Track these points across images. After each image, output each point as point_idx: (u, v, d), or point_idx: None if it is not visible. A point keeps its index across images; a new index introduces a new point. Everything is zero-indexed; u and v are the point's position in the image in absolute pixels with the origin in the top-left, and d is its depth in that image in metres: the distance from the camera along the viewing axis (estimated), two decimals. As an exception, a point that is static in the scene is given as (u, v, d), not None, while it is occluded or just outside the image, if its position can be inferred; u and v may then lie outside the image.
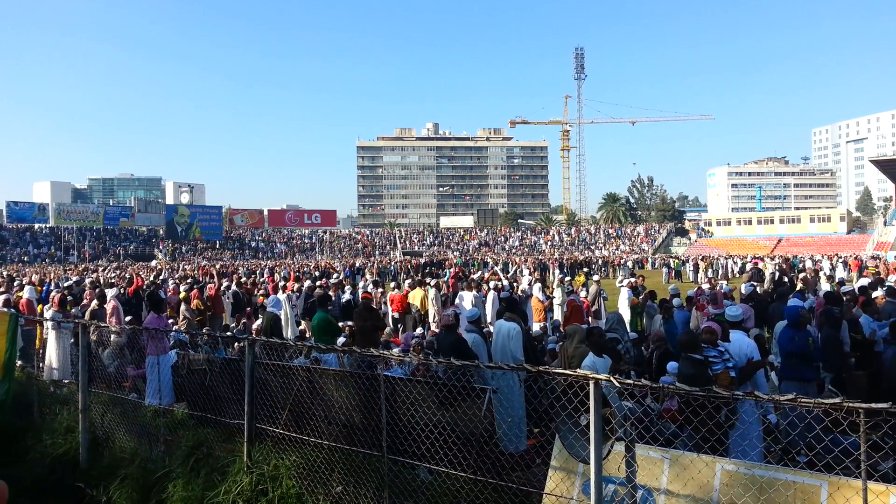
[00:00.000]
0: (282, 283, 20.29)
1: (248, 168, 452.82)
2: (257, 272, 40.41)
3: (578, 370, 4.15)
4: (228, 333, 12.90)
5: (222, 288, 19.54)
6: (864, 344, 9.20)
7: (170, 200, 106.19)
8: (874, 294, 12.00)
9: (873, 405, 3.19)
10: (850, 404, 3.28)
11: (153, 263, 61.88)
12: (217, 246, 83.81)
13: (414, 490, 5.55)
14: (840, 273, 34.11)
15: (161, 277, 29.07)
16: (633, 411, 4.30)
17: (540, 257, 66.01)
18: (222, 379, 7.19)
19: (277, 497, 5.43)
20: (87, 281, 23.17)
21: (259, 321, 13.08)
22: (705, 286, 17.07)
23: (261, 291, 19.79)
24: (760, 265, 38.07)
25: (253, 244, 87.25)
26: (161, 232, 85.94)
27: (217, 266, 39.20)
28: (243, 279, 24.69)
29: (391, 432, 5.14)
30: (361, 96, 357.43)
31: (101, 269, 41.79)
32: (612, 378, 3.82)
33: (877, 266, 33.58)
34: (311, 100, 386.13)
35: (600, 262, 54.65)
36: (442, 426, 5.23)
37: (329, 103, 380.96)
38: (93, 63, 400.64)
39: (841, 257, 45.48)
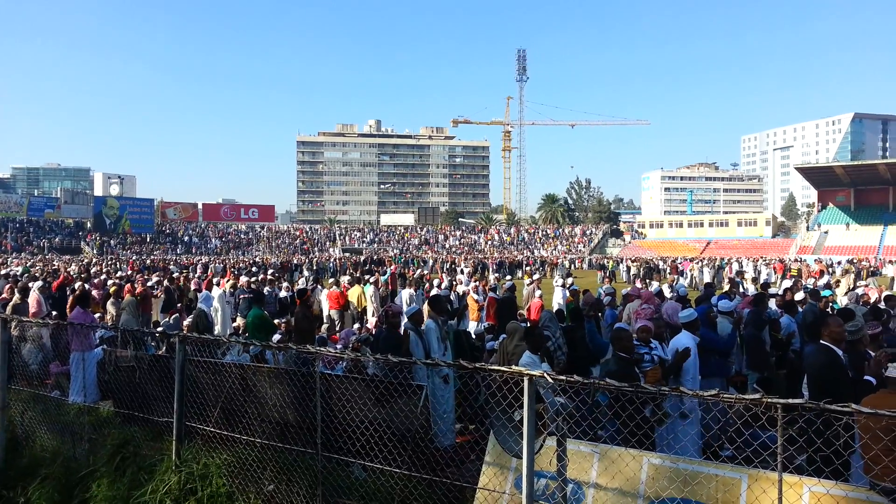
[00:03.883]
0: (216, 280, 19.82)
1: (181, 161, 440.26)
2: (190, 268, 39.39)
3: (514, 367, 4.22)
4: (159, 329, 12.53)
5: (152, 283, 18.95)
6: (782, 343, 9.66)
7: (98, 192, 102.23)
8: (796, 297, 12.59)
9: (790, 401, 3.35)
10: (769, 400, 3.44)
11: (80, 257, 59.50)
12: (148, 240, 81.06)
13: (348, 487, 5.53)
14: (764, 276, 35.65)
15: (93, 271, 27.85)
16: (566, 406, 4.40)
17: (480, 256, 66.59)
18: (151, 376, 7.00)
19: (207, 496, 5.31)
20: (2, 273, 22.10)
21: (190, 318, 12.75)
22: (638, 285, 17.56)
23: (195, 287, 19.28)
24: (688, 268, 39.47)
25: (186, 239, 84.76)
26: (89, 224, 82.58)
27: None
28: (175, 274, 23.99)
29: (326, 430, 5.10)
30: (302, 91, 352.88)
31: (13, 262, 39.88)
32: (545, 374, 3.89)
33: (799, 269, 35.28)
34: (251, 93, 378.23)
35: (538, 261, 55.55)
36: (377, 423, 5.22)
37: (269, 97, 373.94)
38: (17, 50, 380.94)
39: (765, 260, 47.54)
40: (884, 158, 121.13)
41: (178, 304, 17.73)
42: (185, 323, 12.69)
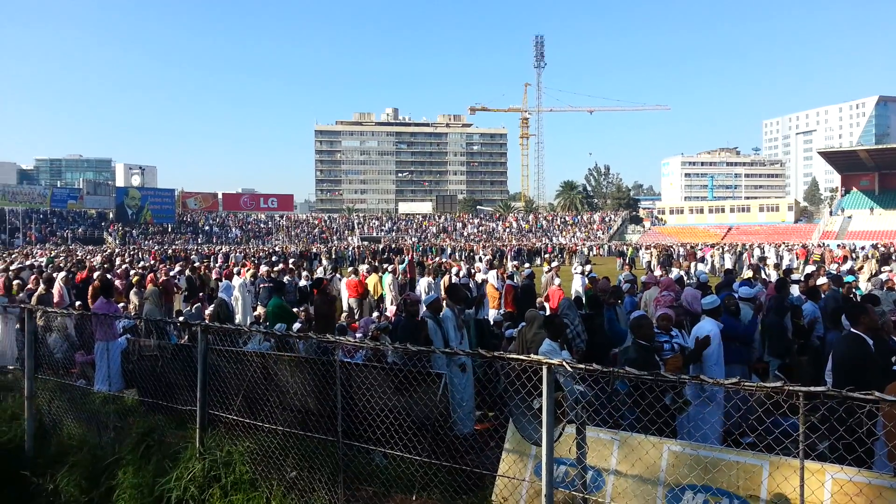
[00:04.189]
0: (237, 269, 20.01)
1: (201, 151, 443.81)
2: (211, 257, 39.78)
3: (532, 355, 4.22)
4: (181, 319, 12.69)
5: (174, 273, 19.17)
6: (804, 330, 9.55)
7: (120, 183, 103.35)
8: (819, 282, 12.43)
9: (812, 388, 3.33)
10: (791, 388, 3.42)
11: (103, 247, 60.34)
12: (169, 230, 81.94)
13: (369, 474, 5.58)
14: (787, 262, 35.21)
15: (116, 262, 28.22)
16: (585, 395, 4.40)
17: (498, 244, 66.48)
18: (174, 365, 7.09)
19: (230, 483, 5.40)
20: (28, 264, 22.47)
21: (211, 307, 12.90)
22: (657, 272, 17.45)
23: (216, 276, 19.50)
24: (708, 254, 39.08)
25: (207, 228, 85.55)
26: (111, 215, 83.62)
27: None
28: (196, 263, 24.25)
29: (346, 417, 5.15)
30: (320, 80, 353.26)
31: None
32: (564, 362, 3.90)
33: (822, 255, 34.79)
34: (269, 83, 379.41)
35: (557, 249, 55.35)
36: (397, 411, 5.26)
37: (287, 87, 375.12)
38: (40, 42, 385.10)
39: (787, 245, 46.95)
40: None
41: (200, 294, 17.94)
42: (207, 312, 12.85)
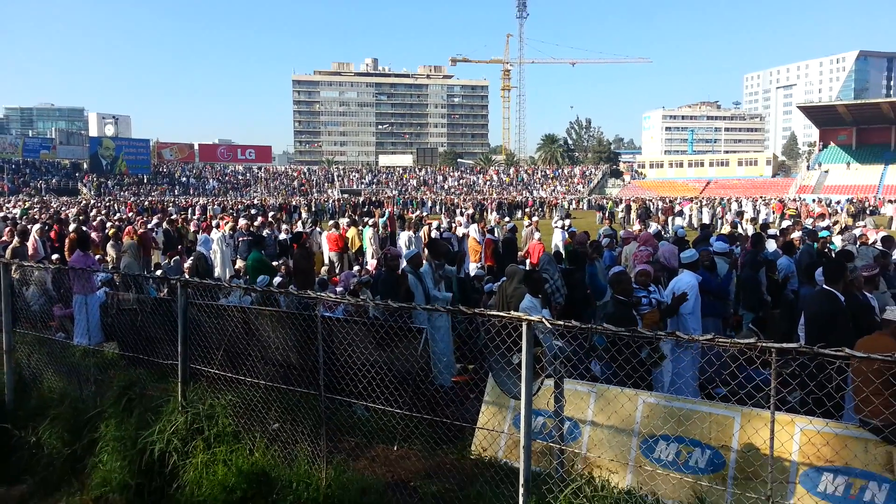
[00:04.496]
0: (215, 222, 19.81)
1: (177, 101, 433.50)
2: (189, 209, 39.33)
3: (512, 312, 4.27)
4: (159, 272, 12.61)
5: (152, 225, 18.95)
6: (778, 284, 9.73)
7: (93, 132, 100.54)
8: (793, 236, 12.62)
9: (784, 345, 3.40)
10: (764, 344, 3.50)
11: (77, 198, 59.33)
12: (145, 181, 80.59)
13: (351, 426, 5.68)
14: (763, 216, 35.64)
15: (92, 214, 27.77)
16: (563, 350, 4.47)
17: (479, 197, 66.40)
18: (154, 319, 7.06)
19: (213, 435, 5.45)
20: (1, 216, 22.07)
21: (190, 260, 12.81)
22: (636, 227, 17.59)
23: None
24: (687, 208, 39.42)
25: (183, 180, 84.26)
26: (85, 165, 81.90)
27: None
28: (174, 216, 23.97)
29: (328, 371, 5.20)
30: (298, 28, 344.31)
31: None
32: (544, 319, 3.95)
33: (797, 209, 35.26)
34: (245, 31, 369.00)
35: (537, 202, 55.44)
36: (379, 365, 5.32)
37: (264, 35, 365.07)
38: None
39: (764, 200, 47.45)
40: (888, 97, 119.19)
41: (178, 247, 17.79)
42: (186, 266, 12.76)
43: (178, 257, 15.31)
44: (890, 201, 43.29)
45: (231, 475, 5.08)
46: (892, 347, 4.40)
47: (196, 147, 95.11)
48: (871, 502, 4.13)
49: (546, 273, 9.41)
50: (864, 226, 21.25)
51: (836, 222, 24.16)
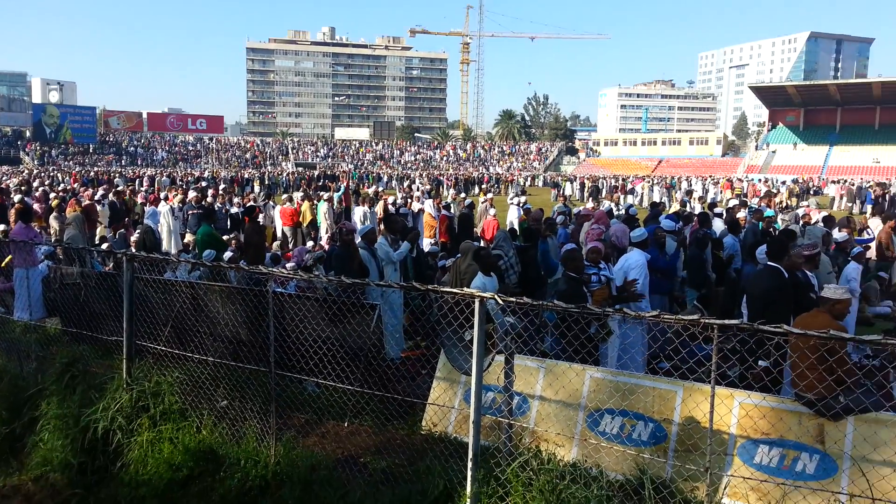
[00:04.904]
0: (163, 194, 19.30)
1: (125, 67, 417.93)
2: (136, 181, 38.23)
3: (465, 289, 4.29)
4: (105, 246, 12.25)
5: (97, 197, 18.36)
6: (723, 262, 10.01)
7: (37, 99, 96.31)
8: (738, 215, 12.96)
9: (726, 321, 3.51)
10: (706, 320, 3.60)
11: (20, 168, 57.05)
12: (91, 150, 77.83)
13: (301, 403, 5.66)
14: (711, 195, 36.49)
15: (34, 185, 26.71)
16: (515, 326, 4.53)
17: (435, 172, 66.23)
18: (98, 294, 6.89)
19: (159, 413, 5.37)
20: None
21: (137, 234, 12.48)
22: (590, 205, 17.82)
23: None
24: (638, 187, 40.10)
25: (131, 150, 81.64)
26: (28, 133, 78.56)
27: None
28: (120, 187, 23.25)
29: (279, 348, 5.16)
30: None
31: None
32: (496, 296, 3.98)
33: (743, 189, 36.20)
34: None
35: (494, 179, 55.60)
36: (331, 342, 5.30)
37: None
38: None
39: (713, 179, 48.53)
40: (835, 79, 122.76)
41: (125, 220, 17.30)
42: (132, 239, 12.44)
43: (124, 230, 14.91)
44: (833, 182, 44.75)
45: (177, 453, 5.03)
46: (827, 325, 4.58)
47: (145, 116, 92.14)
48: (802, 472, 4.32)
49: (501, 250, 9.47)
50: (808, 206, 21.94)
51: (780, 202, 24.90)
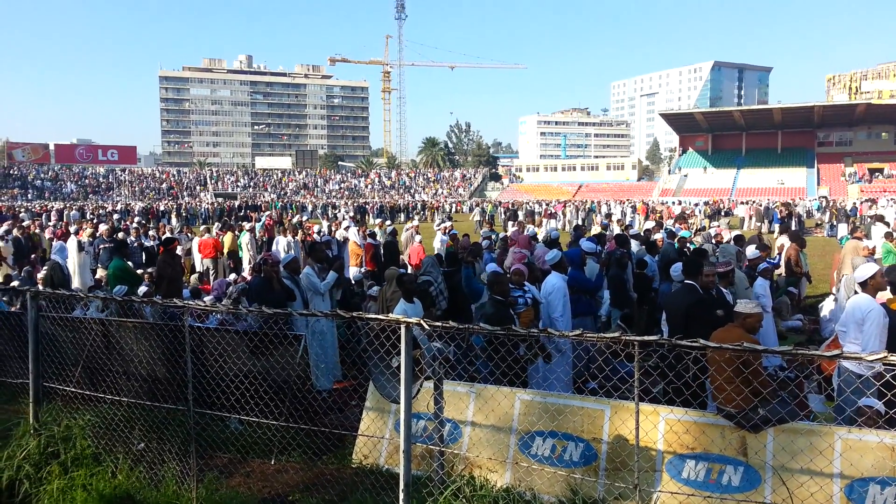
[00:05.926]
0: (73, 228, 18.39)
1: (28, 97, 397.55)
2: (43, 215, 36.34)
3: (391, 315, 4.24)
4: (13, 284, 11.52)
5: (1, 232, 17.29)
6: (647, 281, 10.34)
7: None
8: (655, 237, 13.45)
9: (645, 338, 3.60)
10: (627, 338, 3.68)
11: None
12: (-7, 184, 73.53)
13: (224, 441, 5.43)
14: (629, 218, 37.81)
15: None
16: (442, 351, 4.50)
17: (360, 201, 65.92)
18: (2, 334, 6.47)
19: (71, 458, 5.04)
20: None
21: (44, 270, 11.81)
22: (512, 230, 18.11)
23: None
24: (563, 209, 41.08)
25: (38, 183, 77.60)
26: (-81, 166, 73.59)
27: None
28: (26, 222, 22.02)
29: (198, 385, 4.94)
30: (164, 19, 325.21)
31: None
32: (421, 321, 3.95)
33: (661, 212, 37.68)
34: (105, 19, 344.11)
35: (419, 205, 55.82)
36: (253, 375, 5.12)
37: (127, 25, 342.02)
38: None
39: (630, 202, 50.34)
40: (739, 105, 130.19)
41: (31, 256, 16.36)
42: (39, 276, 11.76)
43: (30, 267, 14.07)
44: (742, 203, 47.20)
45: (91, 500, 4.72)
46: (740, 338, 4.78)
47: (52, 147, 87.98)
48: (728, 485, 4.45)
49: (430, 276, 9.46)
50: (719, 226, 23.05)
51: (694, 223, 26.03)
